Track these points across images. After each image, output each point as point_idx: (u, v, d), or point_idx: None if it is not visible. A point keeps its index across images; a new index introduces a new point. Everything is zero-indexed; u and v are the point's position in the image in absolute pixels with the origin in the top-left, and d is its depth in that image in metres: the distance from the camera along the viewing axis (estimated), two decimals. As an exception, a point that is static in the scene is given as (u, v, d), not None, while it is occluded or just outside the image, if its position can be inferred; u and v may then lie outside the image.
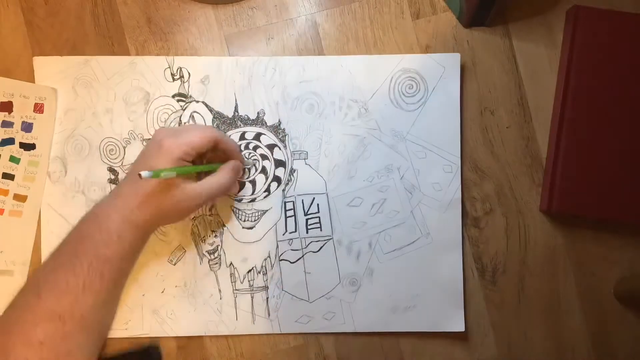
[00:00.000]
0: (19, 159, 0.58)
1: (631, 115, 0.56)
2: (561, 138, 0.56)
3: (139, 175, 0.45)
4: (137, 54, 0.59)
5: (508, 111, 0.59)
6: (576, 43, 0.57)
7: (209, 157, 0.55)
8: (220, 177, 0.52)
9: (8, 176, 0.58)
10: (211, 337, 0.58)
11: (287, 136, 0.59)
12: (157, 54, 0.60)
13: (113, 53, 0.60)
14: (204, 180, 0.51)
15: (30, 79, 0.59)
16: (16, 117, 0.58)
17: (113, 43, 0.60)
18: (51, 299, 0.45)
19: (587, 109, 0.56)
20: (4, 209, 0.58)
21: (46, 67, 0.59)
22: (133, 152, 0.59)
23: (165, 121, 0.59)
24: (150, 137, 0.59)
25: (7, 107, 0.58)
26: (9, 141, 0.58)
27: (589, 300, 0.58)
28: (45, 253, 0.58)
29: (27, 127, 0.58)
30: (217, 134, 0.52)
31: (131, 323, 0.58)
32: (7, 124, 0.58)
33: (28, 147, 0.58)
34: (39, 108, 0.58)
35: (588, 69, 0.56)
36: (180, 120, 0.59)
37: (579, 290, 0.58)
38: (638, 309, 0.58)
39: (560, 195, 0.56)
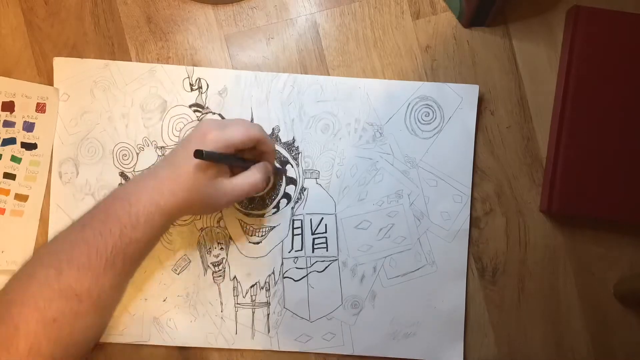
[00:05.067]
0: (21, 159, 0.60)
1: (631, 116, 0.58)
2: (561, 138, 0.58)
3: (195, 152, 0.47)
4: (137, 54, 0.61)
5: (508, 111, 0.61)
6: (576, 43, 0.59)
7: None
8: (252, 176, 0.53)
9: (9, 176, 0.60)
10: (215, 350, 0.60)
11: (300, 154, 0.60)
12: (157, 54, 0.61)
13: (113, 53, 0.62)
14: (236, 178, 0.53)
15: (31, 78, 0.61)
16: (18, 117, 0.60)
17: (113, 43, 0.61)
18: (71, 276, 0.45)
19: (587, 108, 0.58)
20: (5, 209, 0.60)
21: (66, 68, 0.60)
22: (146, 159, 0.60)
23: (181, 130, 0.60)
24: (164, 145, 0.60)
25: (9, 106, 0.60)
26: (11, 141, 0.60)
27: (589, 300, 0.60)
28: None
29: (28, 126, 0.60)
30: (260, 134, 0.54)
31: (129, 329, 0.59)
32: (9, 124, 0.60)
33: (30, 146, 0.60)
34: (40, 108, 0.60)
35: (588, 69, 0.58)
36: (195, 130, 0.60)
37: (579, 290, 0.60)
38: (638, 309, 0.60)
39: (560, 195, 0.58)
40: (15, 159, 0.60)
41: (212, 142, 0.50)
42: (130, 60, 0.61)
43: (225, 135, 0.50)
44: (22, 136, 0.60)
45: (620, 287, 0.59)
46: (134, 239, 0.48)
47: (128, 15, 0.62)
